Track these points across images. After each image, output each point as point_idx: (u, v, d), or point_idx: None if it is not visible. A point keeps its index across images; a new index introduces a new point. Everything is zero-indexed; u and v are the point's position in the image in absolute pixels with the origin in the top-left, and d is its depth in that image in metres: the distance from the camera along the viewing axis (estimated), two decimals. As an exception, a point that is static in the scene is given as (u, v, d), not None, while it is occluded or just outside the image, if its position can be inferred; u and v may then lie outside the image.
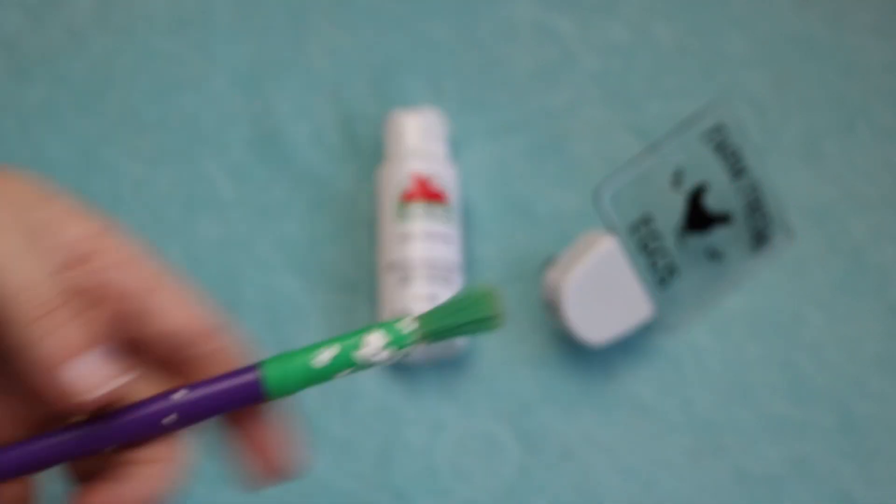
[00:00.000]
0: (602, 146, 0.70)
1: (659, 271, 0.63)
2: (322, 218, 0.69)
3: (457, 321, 0.42)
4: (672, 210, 0.64)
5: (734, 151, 0.64)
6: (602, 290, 0.62)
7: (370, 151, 0.70)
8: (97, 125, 0.71)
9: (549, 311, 0.63)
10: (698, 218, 0.65)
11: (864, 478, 0.63)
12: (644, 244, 0.63)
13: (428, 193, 0.65)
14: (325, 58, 0.72)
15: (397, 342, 0.41)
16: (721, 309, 0.67)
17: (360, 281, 0.67)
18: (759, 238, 0.66)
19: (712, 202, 0.65)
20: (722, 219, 0.65)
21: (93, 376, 0.37)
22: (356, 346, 0.41)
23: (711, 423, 0.64)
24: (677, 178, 0.64)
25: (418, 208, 0.64)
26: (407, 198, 0.65)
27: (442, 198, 0.65)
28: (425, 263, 0.63)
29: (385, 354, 0.41)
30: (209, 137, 0.70)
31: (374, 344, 0.41)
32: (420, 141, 0.67)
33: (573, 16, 0.73)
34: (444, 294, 0.63)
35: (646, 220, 0.63)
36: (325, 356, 0.41)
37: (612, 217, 0.62)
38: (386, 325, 0.41)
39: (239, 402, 0.41)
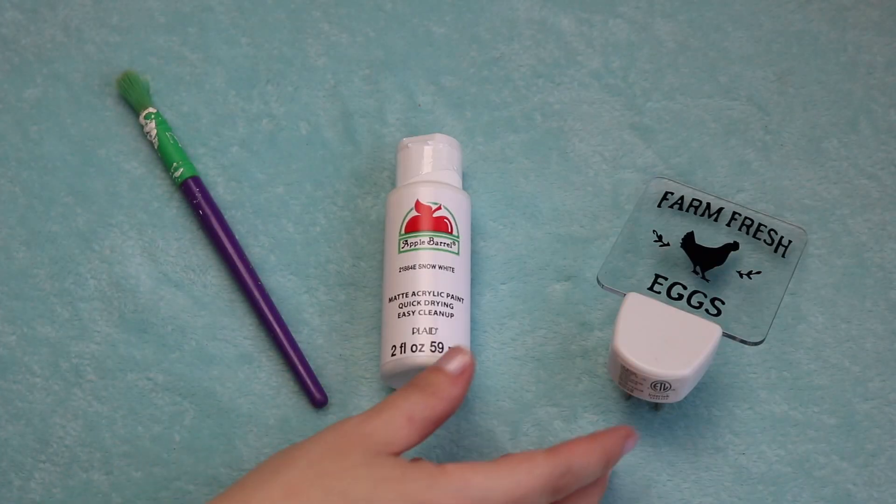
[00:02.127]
0: (603, 145, 0.70)
1: (707, 307, 0.63)
2: (321, 217, 0.69)
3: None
4: (678, 261, 0.64)
5: (693, 201, 0.65)
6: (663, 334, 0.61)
7: (369, 150, 0.70)
8: (95, 124, 0.71)
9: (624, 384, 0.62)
10: (705, 256, 0.64)
11: (864, 478, 0.63)
12: (678, 295, 0.63)
13: (434, 223, 0.64)
14: (323, 56, 0.72)
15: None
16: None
17: (359, 280, 0.67)
18: (778, 246, 0.66)
19: (707, 241, 0.65)
20: (729, 248, 0.65)
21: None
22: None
23: (711, 423, 0.64)
24: (660, 238, 0.64)
25: (423, 238, 0.64)
26: (411, 227, 0.64)
27: (448, 228, 0.64)
28: (429, 294, 0.63)
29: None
30: (208, 137, 0.70)
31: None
32: (429, 169, 0.66)
33: (574, 13, 0.73)
34: (445, 325, 0.62)
35: (660, 280, 0.63)
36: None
37: (629, 289, 0.62)
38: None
39: None
